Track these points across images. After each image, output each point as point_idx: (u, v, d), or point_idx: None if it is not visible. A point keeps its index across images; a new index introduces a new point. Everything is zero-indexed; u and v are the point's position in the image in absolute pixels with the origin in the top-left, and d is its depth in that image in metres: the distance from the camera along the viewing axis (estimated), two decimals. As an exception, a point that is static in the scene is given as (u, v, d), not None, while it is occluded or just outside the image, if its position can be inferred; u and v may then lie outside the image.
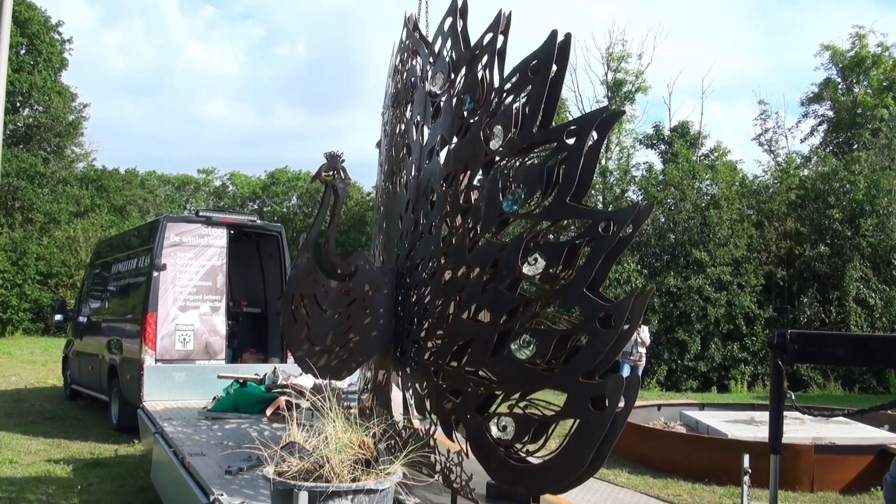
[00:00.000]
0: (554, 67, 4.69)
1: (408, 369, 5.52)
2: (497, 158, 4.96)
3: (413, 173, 5.83)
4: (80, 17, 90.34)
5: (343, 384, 7.44)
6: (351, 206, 62.79)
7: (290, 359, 12.14)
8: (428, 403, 5.19)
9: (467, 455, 4.71)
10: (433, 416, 5.11)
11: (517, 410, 4.61)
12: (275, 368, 7.95)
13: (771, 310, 24.30)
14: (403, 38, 6.33)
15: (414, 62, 6.13)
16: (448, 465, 4.63)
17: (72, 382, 15.86)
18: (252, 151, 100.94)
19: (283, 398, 6.63)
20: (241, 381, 7.93)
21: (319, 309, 5.89)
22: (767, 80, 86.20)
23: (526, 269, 4.61)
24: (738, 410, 13.41)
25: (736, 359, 24.00)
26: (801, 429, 10.43)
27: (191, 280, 11.88)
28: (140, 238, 13.31)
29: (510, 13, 5.11)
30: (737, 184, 28.44)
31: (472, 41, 5.38)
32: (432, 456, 4.81)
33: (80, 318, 15.36)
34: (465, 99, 5.28)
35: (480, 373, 4.85)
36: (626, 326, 4.23)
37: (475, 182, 5.20)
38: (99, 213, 42.19)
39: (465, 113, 5.27)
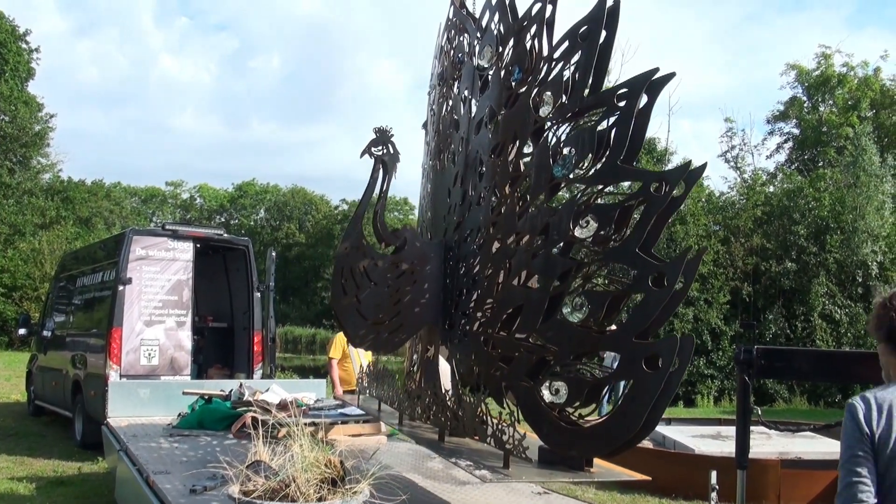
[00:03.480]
0: (603, 33, 4.69)
1: (456, 341, 5.51)
2: (547, 125, 4.96)
3: (461, 147, 5.85)
4: (54, 26, 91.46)
5: (310, 399, 7.40)
6: (318, 220, 63.29)
7: (257, 374, 12.12)
8: (477, 372, 5.17)
9: (518, 421, 4.68)
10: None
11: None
12: (241, 384, 7.89)
13: (737, 325, 24.27)
14: (450, 16, 6.37)
15: (461, 39, 6.16)
16: (500, 426, 4.59)
17: (35, 398, 15.67)
18: (222, 163, 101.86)
19: (249, 415, 6.59)
20: (206, 397, 7.87)
21: (369, 282, 5.92)
22: (734, 97, 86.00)
23: (578, 232, 4.58)
24: (704, 425, 13.21)
25: (702, 374, 24.09)
26: (767, 444, 10.30)
27: (156, 294, 11.84)
28: (105, 251, 13.26)
29: (559, -18, 5.12)
30: (703, 200, 28.56)
31: (520, 14, 5.40)
32: (484, 420, 4.77)
33: (45, 333, 15.16)
34: (514, 70, 5.29)
35: (531, 339, 4.83)
36: (679, 285, 4.21)
37: (524, 151, 5.19)
38: (64, 226, 42.23)
39: (514, 84, 5.28)
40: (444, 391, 5.44)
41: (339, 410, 7.14)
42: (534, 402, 4.59)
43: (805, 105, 38.64)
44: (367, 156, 6.06)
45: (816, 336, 24.46)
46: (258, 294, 12.78)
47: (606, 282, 4.65)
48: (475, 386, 5.17)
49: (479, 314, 5.28)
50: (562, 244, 4.71)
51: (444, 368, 5.75)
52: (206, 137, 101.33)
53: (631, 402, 4.18)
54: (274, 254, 13.21)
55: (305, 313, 58.67)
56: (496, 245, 5.22)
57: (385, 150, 6.04)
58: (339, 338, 10.99)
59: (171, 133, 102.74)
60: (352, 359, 10.38)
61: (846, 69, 37.30)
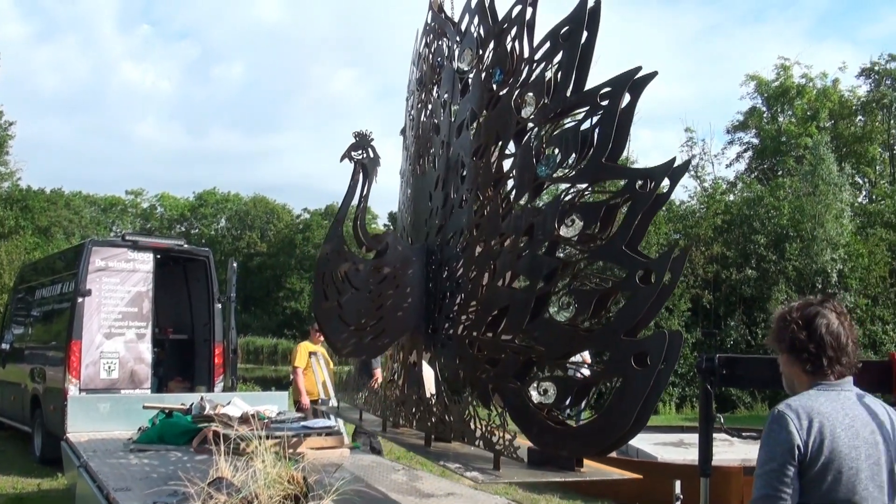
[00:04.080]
0: (584, 34, 4.70)
1: (440, 345, 5.47)
2: (529, 126, 4.96)
3: (442, 150, 5.83)
4: (12, 32, 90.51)
5: (272, 412, 7.32)
6: (280, 229, 63.17)
7: (218, 387, 11.95)
8: (463, 375, 5.14)
9: (504, 423, 4.65)
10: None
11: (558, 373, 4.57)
12: (201, 398, 7.78)
13: (699, 333, 24.48)
14: (429, 21, 6.37)
15: (440, 43, 6.16)
16: (489, 428, 4.56)
17: None
18: (183, 172, 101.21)
19: (210, 429, 6.50)
20: (167, 411, 7.76)
21: (351, 287, 5.87)
22: (695, 107, 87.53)
23: (563, 232, 4.58)
24: (667, 433, 13.23)
25: (664, 381, 24.14)
26: (729, 451, 10.32)
27: (116, 306, 11.62)
28: (65, 262, 13.00)
29: (538, -16, 5.14)
30: (664, 209, 28.82)
31: (500, 17, 5.41)
32: (472, 423, 4.73)
33: (3, 346, 14.81)
34: (495, 72, 5.29)
35: (517, 340, 4.81)
36: (666, 282, 4.21)
37: (507, 152, 5.18)
38: (23, 235, 41.28)
39: (495, 86, 5.28)
40: (428, 396, 5.40)
41: (302, 423, 7.04)
42: (522, 403, 4.56)
43: (764, 115, 39.22)
44: (346, 160, 6.02)
45: (777, 343, 24.77)
46: (219, 305, 12.61)
47: (595, 280, 4.63)
48: (461, 389, 5.13)
49: (463, 317, 5.26)
50: (547, 244, 4.71)
51: (428, 373, 5.71)
52: (168, 146, 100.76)
53: (620, 400, 4.16)
54: (235, 264, 13.05)
55: (267, 323, 58.15)
56: (480, 247, 5.20)
57: (365, 155, 6.01)
58: (304, 347, 10.95)
59: (131, 141, 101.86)
60: (313, 370, 10.31)
61: (805, 80, 38.03)
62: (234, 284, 12.66)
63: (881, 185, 35.09)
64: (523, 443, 4.57)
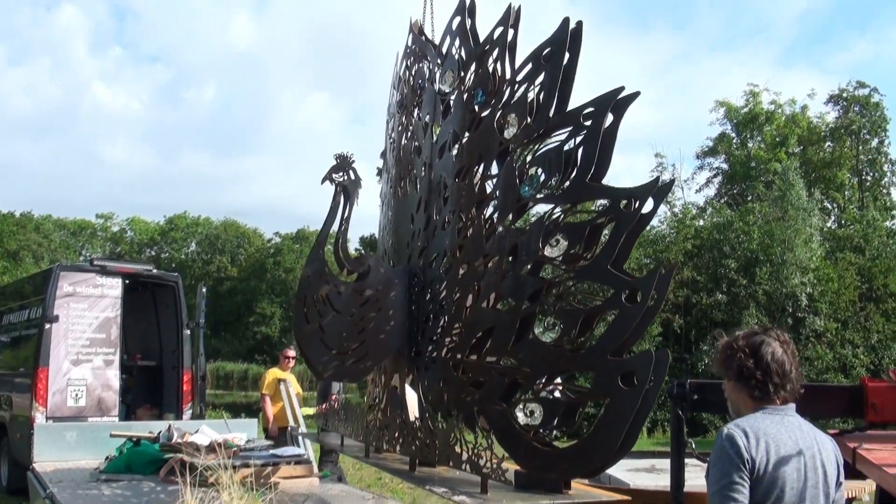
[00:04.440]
0: (566, 55, 4.72)
1: (424, 367, 5.42)
2: (512, 147, 4.96)
3: (424, 172, 5.82)
4: None
5: (241, 440, 7.23)
6: (251, 253, 62.92)
7: (186, 414, 11.78)
8: (447, 398, 5.08)
9: (491, 445, 4.59)
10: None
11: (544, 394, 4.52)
12: (169, 426, 7.64)
13: (670, 358, 24.54)
14: (409, 44, 6.38)
15: (421, 65, 6.16)
16: (476, 450, 4.50)
17: None
18: (153, 196, 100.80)
19: (177, 458, 6.40)
20: (134, 439, 7.63)
21: (333, 310, 5.80)
22: (665, 133, 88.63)
23: (548, 252, 4.57)
24: (638, 458, 13.18)
25: (635, 406, 24.17)
26: (701, 476, 10.27)
27: (84, 332, 11.41)
28: (33, 287, 12.78)
29: (519, 7, 5.17)
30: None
31: (482, 38, 5.42)
32: (458, 446, 4.67)
33: None
34: (477, 93, 5.30)
35: (502, 362, 4.77)
36: (652, 301, 4.20)
37: (490, 173, 5.17)
38: None
39: (477, 107, 5.29)
40: (412, 419, 5.33)
41: (271, 452, 6.92)
42: (508, 425, 4.51)
43: (734, 141, 39.71)
44: (327, 182, 5.98)
45: (748, 366, 24.89)
46: (187, 331, 12.46)
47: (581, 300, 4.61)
48: (446, 412, 5.07)
49: (447, 339, 5.21)
50: (531, 264, 4.69)
51: (411, 397, 5.65)
52: (138, 169, 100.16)
53: (608, 420, 4.12)
54: (204, 289, 12.91)
55: (237, 348, 57.52)
56: (463, 269, 5.17)
57: (346, 177, 5.97)
58: (272, 373, 10.85)
59: (102, 164, 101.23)
60: (283, 396, 10.20)
61: (774, 107, 38.58)
62: (203, 310, 12.51)
63: (850, 209, 35.61)
64: (510, 466, 4.51)
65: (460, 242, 5.23)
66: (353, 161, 5.96)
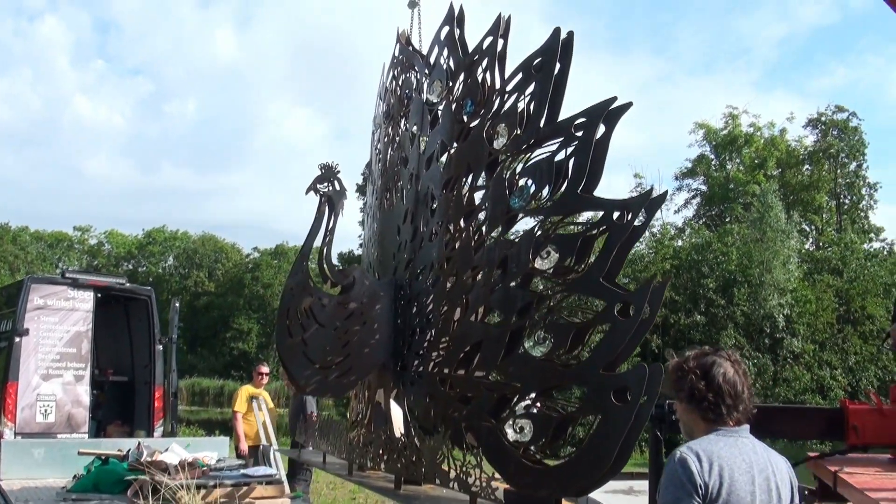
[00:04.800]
0: (557, 65, 4.65)
1: (410, 382, 5.29)
2: (501, 157, 4.87)
3: (411, 183, 5.72)
4: None
5: (211, 459, 7.09)
6: (229, 268, 62.61)
7: (157, 432, 11.58)
8: (434, 414, 4.96)
9: (481, 462, 4.47)
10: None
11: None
12: (139, 444, 7.48)
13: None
14: (396, 54, 6.29)
15: (408, 75, 6.08)
16: (464, 468, 4.37)
17: None
18: (133, 209, 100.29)
19: (143, 480, 6.25)
20: (103, 457, 7.45)
21: (316, 323, 5.66)
22: (644, 154, 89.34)
23: (538, 264, 4.47)
24: (616, 479, 13.08)
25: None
26: None
27: (54, 346, 11.14)
28: (4, 299, 12.48)
29: (509, 17, 5.10)
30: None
31: (471, 48, 5.35)
32: (445, 464, 4.54)
33: None
34: (465, 103, 5.22)
35: (491, 377, 4.66)
36: (645, 315, 4.11)
37: (478, 184, 5.08)
38: None
39: (465, 117, 5.20)
40: (397, 436, 5.20)
41: (242, 471, 6.75)
42: (497, 441, 4.39)
43: (713, 163, 39.98)
44: (312, 193, 5.86)
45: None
46: (160, 346, 12.26)
47: (571, 313, 4.51)
48: (432, 428, 4.94)
49: (434, 354, 5.09)
50: (521, 277, 4.59)
51: (396, 412, 5.52)
52: (118, 182, 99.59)
53: (601, 437, 4.01)
54: (177, 304, 12.72)
55: (214, 364, 56.90)
56: (451, 281, 5.06)
57: (331, 187, 5.85)
58: (245, 390, 10.66)
59: (82, 176, 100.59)
60: (255, 414, 10.02)
61: (753, 129, 38.91)
62: (176, 325, 12.33)
63: (828, 232, 35.87)
64: (499, 484, 4.39)
65: (448, 254, 5.13)
66: (338, 171, 5.85)
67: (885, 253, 33.89)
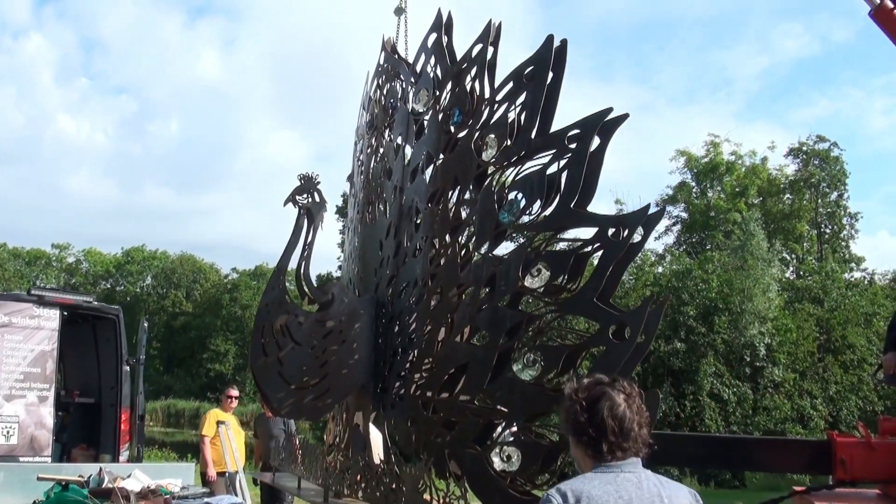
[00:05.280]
0: (550, 74, 4.45)
1: (390, 405, 5.02)
2: (490, 169, 4.64)
3: (395, 196, 5.47)
4: None
5: (175, 486, 6.80)
6: (207, 289, 62.18)
7: (123, 456, 11.22)
8: (416, 439, 4.68)
9: (465, 493, 4.19)
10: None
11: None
12: (100, 469, 7.19)
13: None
14: (381, 62, 6.07)
15: (393, 84, 5.85)
16: (448, 499, 4.10)
17: None
18: (113, 227, 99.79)
19: None
20: (63, 483, 7.14)
21: (292, 341, 5.36)
22: (625, 181, 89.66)
23: (528, 282, 4.25)
24: None
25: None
26: None
27: (18, 366, 10.68)
28: None
29: (500, 24, 4.89)
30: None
31: (459, 57, 5.13)
32: (427, 493, 4.27)
33: None
34: (453, 113, 4.99)
35: (477, 401, 4.40)
36: (641, 338, 3.89)
37: (466, 197, 4.84)
38: None
39: (453, 127, 4.98)
40: (377, 462, 4.91)
41: (206, 500, 6.45)
42: (483, 470, 4.14)
43: (694, 190, 39.98)
44: (290, 204, 5.57)
45: (705, 415, 24.70)
46: (127, 367, 11.90)
47: (563, 334, 4.28)
48: (414, 455, 4.67)
49: (416, 375, 4.84)
50: (510, 295, 4.36)
51: (375, 437, 5.24)
52: (99, 200, 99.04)
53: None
54: (146, 324, 12.36)
55: (190, 385, 56.19)
56: (436, 299, 4.81)
57: (310, 199, 5.58)
58: (213, 414, 10.31)
59: (64, 194, 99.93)
60: (221, 439, 9.67)
61: (734, 157, 38.95)
62: (144, 346, 11.97)
63: (809, 261, 35.92)
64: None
65: (433, 271, 4.90)
66: (319, 182, 5.58)
67: (866, 283, 33.94)
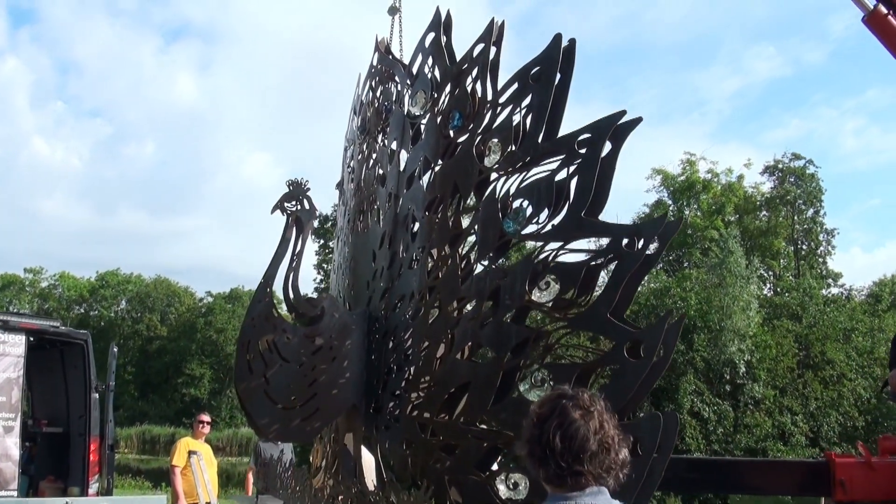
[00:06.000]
0: (558, 75, 4.20)
1: (384, 427, 4.71)
2: (494, 176, 4.37)
3: (389, 204, 5.17)
4: None
5: None
6: (182, 312, 61.65)
7: (92, 488, 10.80)
8: (412, 464, 4.38)
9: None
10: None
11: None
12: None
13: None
14: (374, 63, 5.79)
15: (388, 86, 5.56)
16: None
17: None
18: (87, 251, 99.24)
19: None
20: None
21: (280, 358, 5.02)
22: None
23: (535, 296, 3.98)
24: None
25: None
26: None
27: None
28: None
29: (503, 22, 4.65)
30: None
31: (459, 57, 4.87)
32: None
33: None
34: (453, 116, 4.72)
35: (480, 423, 4.12)
36: (658, 356, 3.63)
37: (467, 205, 4.57)
38: None
39: (452, 131, 4.71)
40: (370, 488, 4.60)
41: None
42: (487, 498, 3.86)
43: (671, 208, 39.99)
44: (278, 212, 5.24)
45: (686, 434, 24.61)
46: (96, 395, 11.43)
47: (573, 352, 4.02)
48: (410, 481, 4.36)
49: (413, 395, 4.54)
50: (516, 310, 4.09)
51: (368, 461, 4.92)
52: (73, 224, 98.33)
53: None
54: (115, 349, 11.90)
55: (165, 411, 55.41)
56: (434, 313, 4.52)
57: (300, 206, 5.25)
58: (184, 443, 9.89)
59: (37, 218, 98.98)
60: (192, 470, 9.26)
61: (710, 175, 39.03)
62: (114, 372, 11.51)
63: (786, 277, 36.01)
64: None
65: (431, 283, 4.62)
66: (308, 189, 5.26)
67: (844, 298, 34.06)
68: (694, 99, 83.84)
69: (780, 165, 38.25)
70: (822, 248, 38.52)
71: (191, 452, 9.42)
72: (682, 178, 39.72)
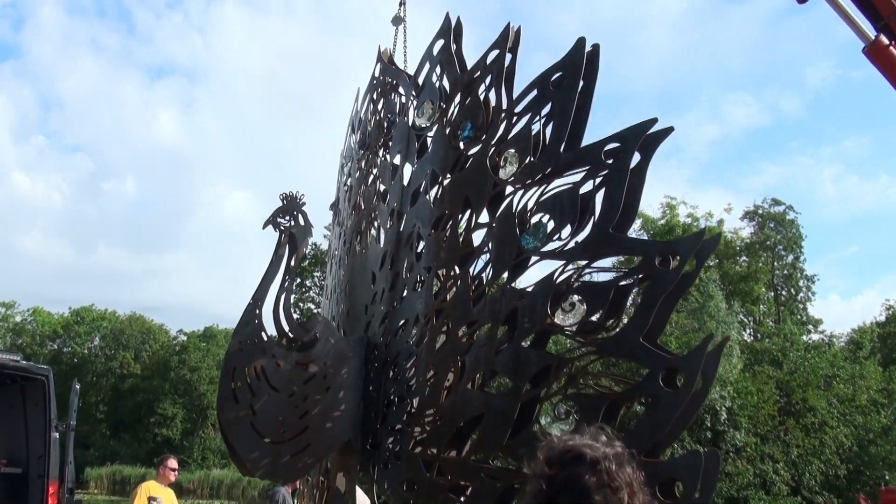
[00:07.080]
0: (581, 82, 3.87)
1: (383, 465, 4.27)
2: (510, 189, 4.01)
3: (391, 221, 4.78)
4: None
5: None
6: (156, 350, 60.67)
7: None
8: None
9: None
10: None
11: None
12: None
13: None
14: (376, 74, 5.43)
15: (391, 98, 5.21)
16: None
17: None
18: (64, 287, 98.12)
19: None
20: None
21: (269, 387, 4.57)
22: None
23: (559, 318, 3.60)
24: None
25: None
26: None
27: None
28: None
29: (519, 27, 4.32)
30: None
31: (470, 65, 4.53)
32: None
33: None
34: (464, 126, 4.37)
35: (495, 460, 3.71)
36: (697, 386, 3.26)
37: (479, 221, 4.19)
38: None
39: (463, 143, 4.36)
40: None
41: None
42: (503, 545, 3.42)
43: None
44: (271, 227, 4.83)
45: (665, 483, 24.38)
46: (56, 434, 10.80)
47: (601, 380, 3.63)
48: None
49: (416, 429, 4.12)
50: (535, 334, 3.70)
51: (362, 502, 4.46)
52: (51, 260, 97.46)
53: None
54: (78, 386, 11.31)
55: (137, 450, 54.01)
56: (441, 339, 4.11)
57: (293, 222, 4.84)
58: (144, 488, 9.21)
59: (14, 254, 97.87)
60: None
61: (690, 220, 39.03)
62: (75, 411, 10.90)
63: (766, 323, 35.90)
64: None
65: (438, 306, 4.21)
66: (304, 203, 4.86)
67: (826, 345, 33.94)
68: (672, 145, 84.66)
69: (761, 211, 38.37)
70: (802, 294, 38.54)
71: (150, 499, 8.77)
72: (663, 221, 39.72)
